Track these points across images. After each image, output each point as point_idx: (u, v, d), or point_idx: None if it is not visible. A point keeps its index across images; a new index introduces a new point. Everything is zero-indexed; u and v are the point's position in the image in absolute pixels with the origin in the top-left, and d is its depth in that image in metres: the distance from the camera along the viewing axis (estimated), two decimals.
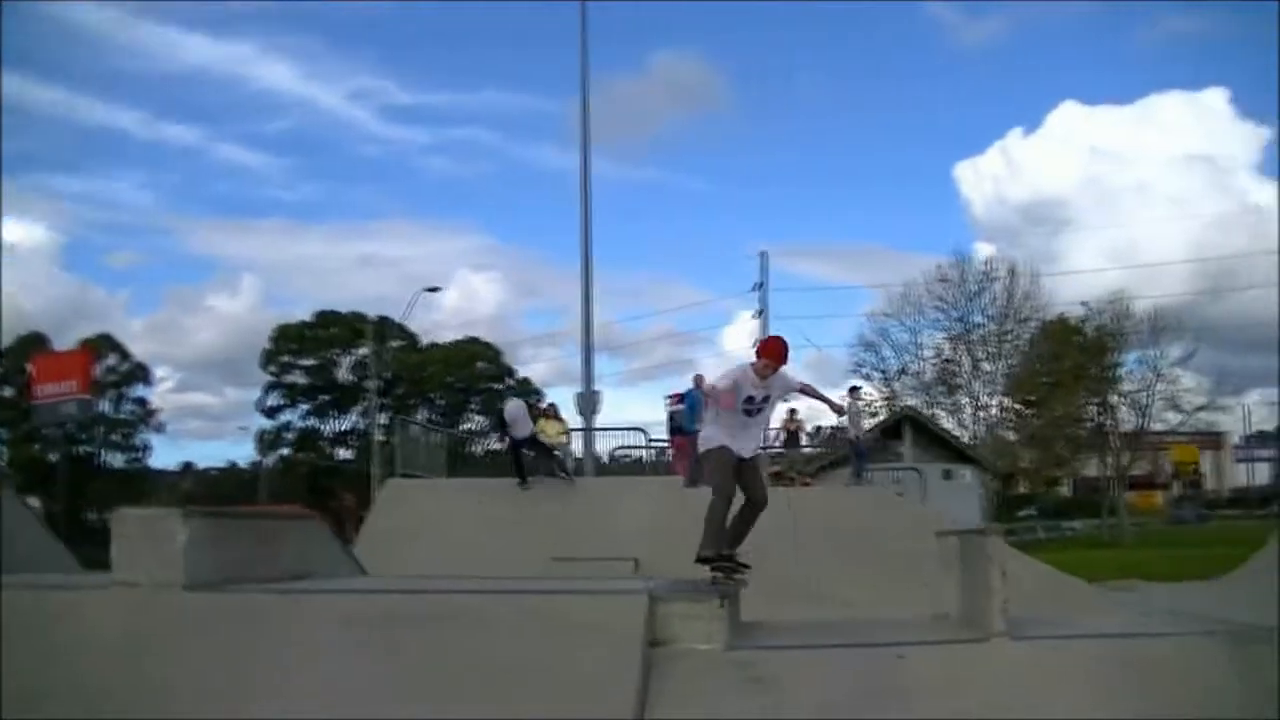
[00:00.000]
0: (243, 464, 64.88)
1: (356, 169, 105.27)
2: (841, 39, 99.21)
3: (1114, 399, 48.82)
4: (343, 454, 60.82)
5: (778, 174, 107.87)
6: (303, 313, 63.88)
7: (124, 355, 57.76)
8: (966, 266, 49.17)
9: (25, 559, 7.82)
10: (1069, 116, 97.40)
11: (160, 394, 64.71)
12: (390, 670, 5.34)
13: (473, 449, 42.69)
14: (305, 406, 61.10)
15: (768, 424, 7.46)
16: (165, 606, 5.72)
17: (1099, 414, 49.11)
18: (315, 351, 60.42)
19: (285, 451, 60.51)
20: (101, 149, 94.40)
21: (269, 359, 60.20)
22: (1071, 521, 55.41)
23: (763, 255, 41.87)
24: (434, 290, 51.82)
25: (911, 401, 47.47)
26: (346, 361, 60.19)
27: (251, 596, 6.04)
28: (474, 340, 63.83)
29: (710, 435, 7.17)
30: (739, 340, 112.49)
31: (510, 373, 61.42)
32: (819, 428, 37.06)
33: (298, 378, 60.80)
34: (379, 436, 46.71)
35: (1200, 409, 49.55)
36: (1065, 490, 65.17)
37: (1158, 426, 49.95)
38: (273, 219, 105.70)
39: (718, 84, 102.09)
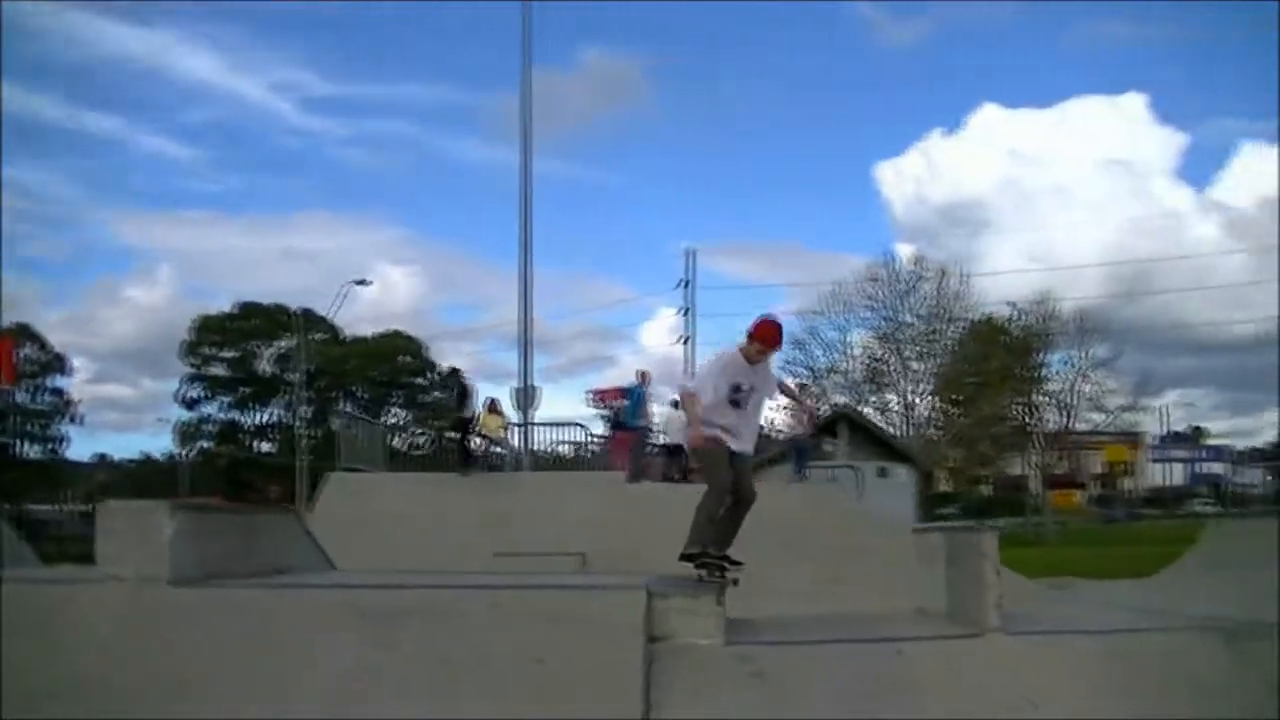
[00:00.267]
0: (158, 456, 63.40)
1: (278, 160, 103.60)
2: (766, 38, 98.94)
3: (1039, 399, 49.82)
4: (264, 447, 59.67)
5: (702, 172, 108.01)
6: (223, 304, 62.37)
7: (41, 345, 55.63)
8: (897, 266, 49.96)
9: None
10: (989, 119, 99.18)
11: (77, 385, 62.69)
12: (387, 665, 5.27)
13: (406, 442, 41.88)
14: (226, 399, 59.69)
15: (759, 417, 7.16)
16: (152, 600, 5.62)
17: (1024, 414, 50.08)
18: (236, 343, 59.18)
19: (205, 444, 59.05)
20: (20, 137, 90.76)
21: (189, 350, 58.75)
22: (996, 520, 56.40)
23: (690, 253, 41.92)
24: (362, 283, 51.20)
25: (840, 400, 48.03)
26: (268, 354, 59.07)
27: (237, 591, 5.97)
28: (397, 334, 63.29)
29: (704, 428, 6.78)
30: (660, 337, 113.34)
31: (433, 366, 60.48)
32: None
33: (219, 369, 59.44)
34: (303, 430, 45.71)
35: (1125, 409, 50.71)
36: (986, 489, 66.40)
37: (1081, 426, 51.16)
38: (194, 210, 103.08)
39: (643, 82, 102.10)
